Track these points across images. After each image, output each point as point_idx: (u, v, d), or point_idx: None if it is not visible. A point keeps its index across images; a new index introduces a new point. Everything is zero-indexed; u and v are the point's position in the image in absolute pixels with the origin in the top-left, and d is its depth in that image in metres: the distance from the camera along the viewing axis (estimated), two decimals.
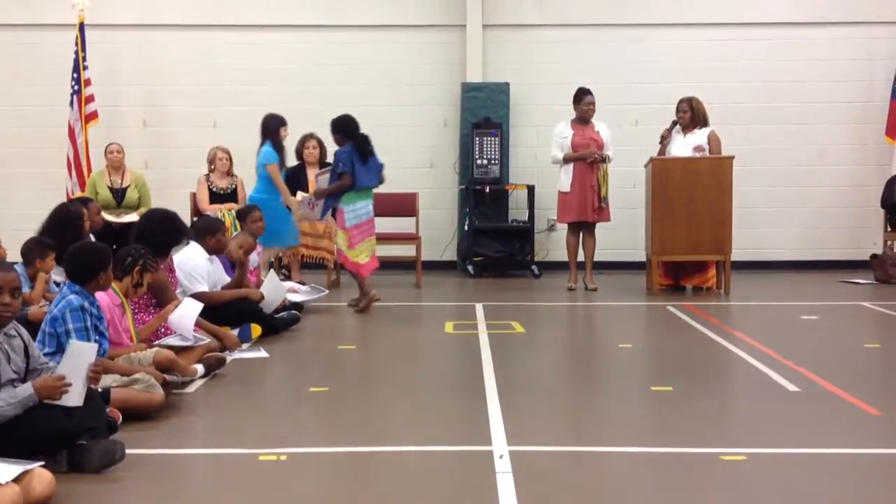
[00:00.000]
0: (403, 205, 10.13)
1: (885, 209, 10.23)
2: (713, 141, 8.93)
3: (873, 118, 10.95)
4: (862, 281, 9.80)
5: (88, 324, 4.55)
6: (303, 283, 8.45)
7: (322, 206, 8.09)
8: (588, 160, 9.04)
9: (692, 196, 8.65)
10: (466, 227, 10.66)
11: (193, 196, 9.49)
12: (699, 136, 8.93)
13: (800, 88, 11.00)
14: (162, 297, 5.64)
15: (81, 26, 10.38)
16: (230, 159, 9.50)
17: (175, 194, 9.86)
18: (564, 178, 9.16)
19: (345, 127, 7.91)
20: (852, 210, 11.07)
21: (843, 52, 11.00)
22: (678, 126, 9.04)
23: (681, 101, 9.05)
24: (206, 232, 6.70)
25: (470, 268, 10.59)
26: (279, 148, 8.86)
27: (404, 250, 10.11)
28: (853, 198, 11.06)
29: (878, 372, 5.90)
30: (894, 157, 10.70)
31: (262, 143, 8.89)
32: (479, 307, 8.13)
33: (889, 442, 4.22)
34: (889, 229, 10.23)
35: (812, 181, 11.08)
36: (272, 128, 8.86)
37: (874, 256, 10.14)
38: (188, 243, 6.57)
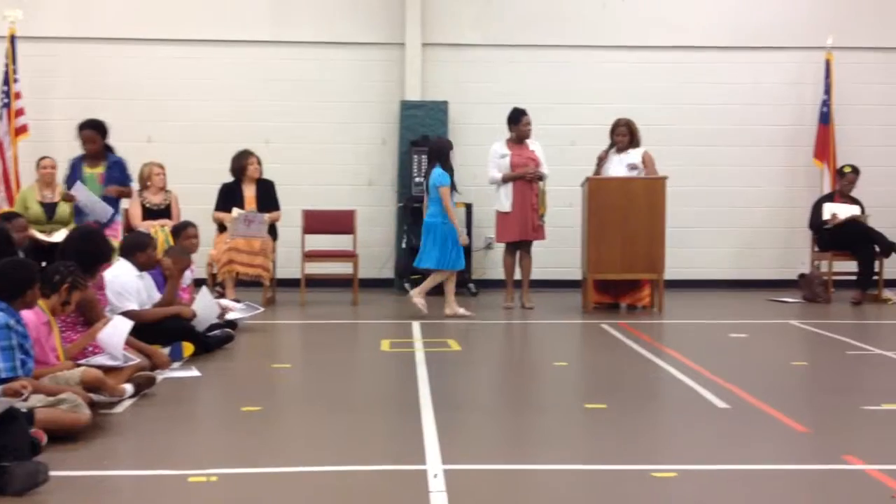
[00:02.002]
0: (341, 222, 10.08)
1: (813, 230, 10.48)
2: (647, 161, 9.09)
3: (802, 141, 11.22)
4: (790, 300, 10.01)
5: (14, 342, 4.43)
6: (237, 301, 8.35)
7: (107, 212, 8.11)
8: (527, 177, 9.11)
9: (627, 215, 8.77)
10: (404, 245, 10.65)
11: (126, 212, 9.34)
12: (633, 157, 9.09)
13: (731, 111, 11.24)
14: (90, 315, 5.53)
15: (13, 38, 10.17)
16: (165, 175, 9.38)
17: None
18: (504, 199, 9.20)
19: (106, 134, 8.29)
20: (781, 230, 11.32)
21: (773, 76, 11.28)
22: (614, 148, 9.19)
23: (619, 125, 9.20)
24: (136, 248, 6.57)
25: (407, 285, 10.56)
26: (450, 171, 8.68)
27: (341, 268, 10.06)
28: (782, 218, 11.31)
29: (805, 389, 6.03)
30: (822, 179, 10.98)
31: (432, 166, 8.68)
32: (415, 325, 8.12)
33: (815, 458, 4.31)
34: (817, 249, 10.48)
35: (743, 202, 11.31)
36: (445, 151, 8.71)
37: (802, 276, 10.37)
38: (118, 259, 6.46)
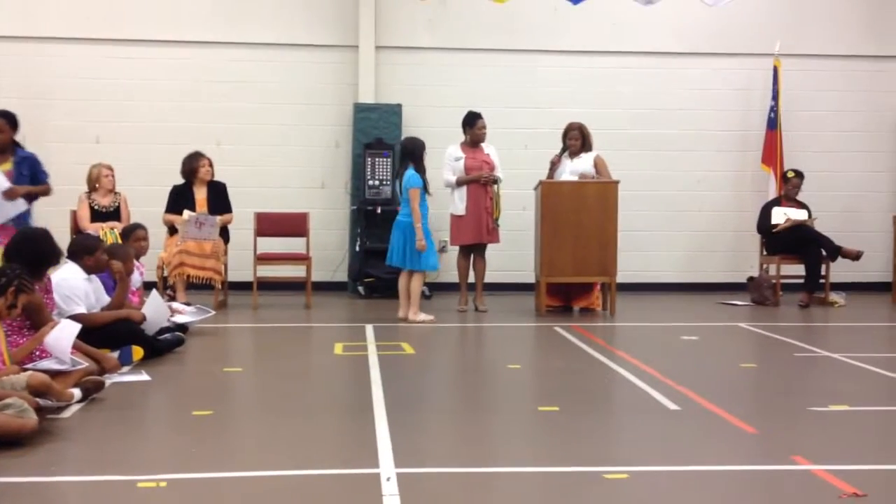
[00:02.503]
0: (294, 225, 10.02)
1: (761, 234, 10.64)
2: (599, 164, 9.17)
3: (750, 146, 11.41)
4: (739, 302, 10.16)
5: None
6: (188, 304, 8.26)
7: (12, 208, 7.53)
8: (481, 181, 9.14)
9: (579, 219, 8.84)
10: (357, 248, 10.63)
11: (73, 214, 9.20)
12: (585, 161, 9.17)
13: (682, 116, 11.39)
14: (37, 318, 5.42)
15: None
16: (114, 176, 9.26)
17: (54, 212, 9.50)
18: (459, 202, 9.21)
19: (17, 127, 7.65)
20: (730, 234, 11.50)
21: (722, 83, 11.45)
22: (567, 152, 9.26)
23: (571, 129, 9.27)
24: (84, 251, 6.46)
25: (360, 289, 10.56)
26: (422, 172, 8.58)
27: (294, 271, 10.01)
28: (731, 223, 11.49)
29: (753, 391, 6.11)
30: (769, 183, 11.16)
31: (405, 167, 8.56)
32: (369, 328, 8.10)
33: (764, 459, 4.36)
34: (765, 253, 10.65)
35: (693, 206, 11.47)
36: (418, 153, 8.59)
37: (751, 279, 10.53)
38: (66, 262, 6.34)
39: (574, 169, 9.15)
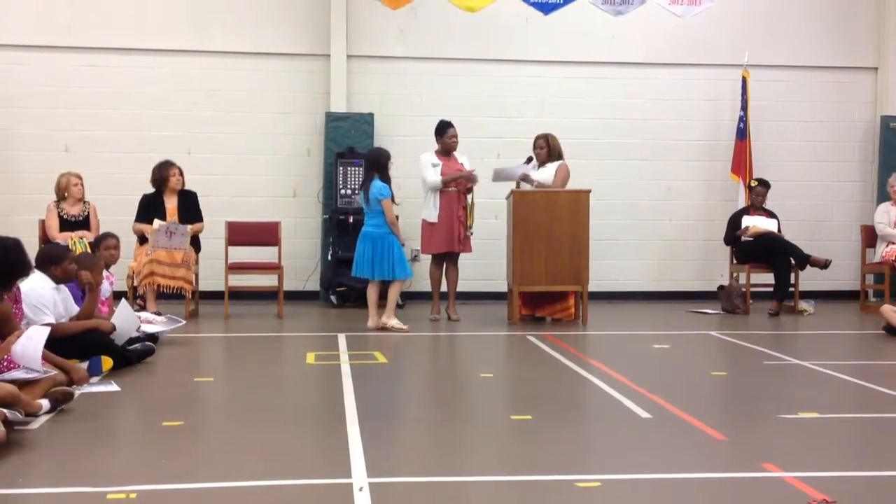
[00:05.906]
0: (266, 234, 9.97)
1: (729, 244, 10.73)
2: (557, 173, 9.15)
3: (720, 156, 11.51)
4: (710, 311, 10.23)
5: None
6: (159, 314, 8.20)
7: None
8: (471, 183, 9.11)
9: (551, 228, 8.87)
10: (329, 257, 10.60)
11: (42, 223, 9.11)
12: (549, 171, 9.18)
13: (652, 126, 11.47)
14: (5, 328, 5.35)
15: None
16: (83, 185, 9.19)
17: (22, 221, 9.46)
18: (431, 209, 9.21)
19: None
20: (700, 243, 11.58)
21: (692, 93, 11.55)
22: (534, 161, 9.30)
23: (538, 138, 9.33)
24: (52, 260, 6.39)
25: (333, 298, 10.53)
26: (388, 181, 8.55)
27: (266, 280, 9.96)
28: (701, 232, 11.57)
29: (723, 399, 6.15)
30: (738, 193, 11.26)
31: (371, 178, 8.51)
32: (341, 337, 8.07)
33: (735, 466, 4.39)
34: (734, 262, 10.73)
35: (663, 215, 11.54)
36: (383, 162, 8.56)
37: (721, 288, 10.61)
38: (34, 272, 6.27)
39: (538, 176, 9.16)
